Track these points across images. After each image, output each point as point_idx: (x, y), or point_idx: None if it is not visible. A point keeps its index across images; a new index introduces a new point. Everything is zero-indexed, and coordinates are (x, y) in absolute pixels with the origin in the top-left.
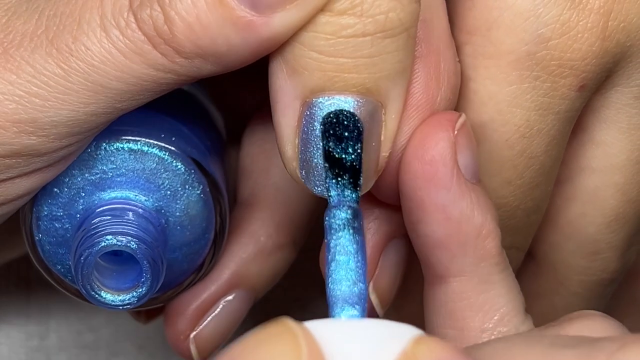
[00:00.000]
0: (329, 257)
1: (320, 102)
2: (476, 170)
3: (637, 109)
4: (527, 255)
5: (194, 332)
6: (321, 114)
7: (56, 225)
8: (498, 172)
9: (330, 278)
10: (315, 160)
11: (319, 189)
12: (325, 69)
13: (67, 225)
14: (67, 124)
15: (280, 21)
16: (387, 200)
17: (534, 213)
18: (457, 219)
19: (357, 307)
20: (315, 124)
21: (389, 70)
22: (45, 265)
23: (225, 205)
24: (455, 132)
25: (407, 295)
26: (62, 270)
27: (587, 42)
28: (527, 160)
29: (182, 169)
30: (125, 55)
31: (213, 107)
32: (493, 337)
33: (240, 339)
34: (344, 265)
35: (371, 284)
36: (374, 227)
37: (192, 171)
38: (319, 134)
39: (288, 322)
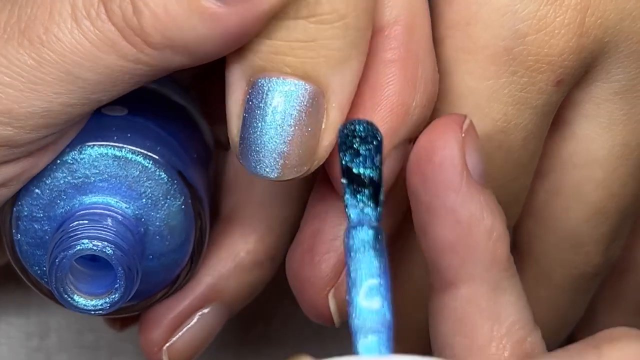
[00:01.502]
0: (349, 281)
1: (262, 82)
2: (483, 172)
3: (617, 104)
4: (511, 248)
5: (168, 344)
6: (264, 93)
7: (35, 226)
8: None
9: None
10: (258, 140)
11: (254, 170)
12: (263, 51)
13: (46, 227)
14: (42, 115)
15: (246, 12)
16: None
17: (512, 206)
18: (466, 222)
19: (379, 334)
20: (259, 103)
21: (326, 56)
22: (22, 266)
23: (205, 218)
24: (463, 134)
25: (412, 304)
26: (39, 272)
27: (564, 38)
28: (504, 154)
29: (165, 178)
30: (96, 46)
31: (203, 120)
32: (501, 345)
33: None
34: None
35: None
36: None
37: (175, 182)
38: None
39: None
